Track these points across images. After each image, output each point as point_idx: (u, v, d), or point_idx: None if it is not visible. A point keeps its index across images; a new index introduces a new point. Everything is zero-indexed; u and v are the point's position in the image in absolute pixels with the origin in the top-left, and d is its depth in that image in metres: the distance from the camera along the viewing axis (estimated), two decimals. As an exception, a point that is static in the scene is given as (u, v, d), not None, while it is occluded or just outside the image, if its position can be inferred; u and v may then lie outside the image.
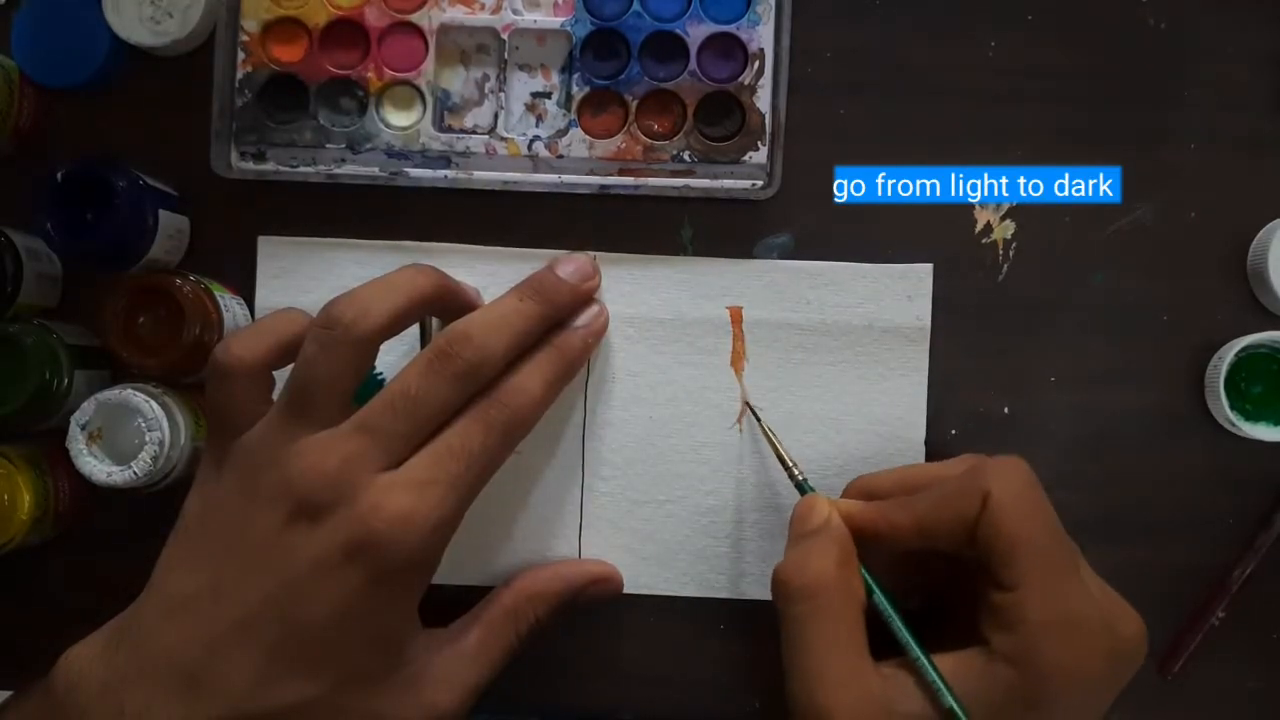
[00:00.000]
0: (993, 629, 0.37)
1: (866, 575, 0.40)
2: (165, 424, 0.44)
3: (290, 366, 0.41)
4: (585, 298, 0.46)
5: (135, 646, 0.38)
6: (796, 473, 0.45)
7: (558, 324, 0.45)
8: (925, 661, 0.38)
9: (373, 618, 0.39)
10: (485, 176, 0.48)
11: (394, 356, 0.47)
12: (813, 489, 0.44)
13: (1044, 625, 0.37)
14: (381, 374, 0.48)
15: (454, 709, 0.41)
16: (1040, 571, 0.37)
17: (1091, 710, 0.38)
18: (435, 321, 0.47)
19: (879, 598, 0.40)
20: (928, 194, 0.49)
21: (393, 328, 0.41)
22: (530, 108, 0.49)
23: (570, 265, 0.46)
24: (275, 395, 0.42)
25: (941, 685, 0.37)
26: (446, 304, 0.44)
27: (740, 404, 0.49)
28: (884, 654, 0.39)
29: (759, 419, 0.48)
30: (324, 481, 0.38)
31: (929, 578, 0.43)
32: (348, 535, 0.37)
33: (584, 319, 0.46)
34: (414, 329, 0.45)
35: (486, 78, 0.49)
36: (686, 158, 0.48)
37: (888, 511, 0.41)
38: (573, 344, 0.45)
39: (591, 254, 0.48)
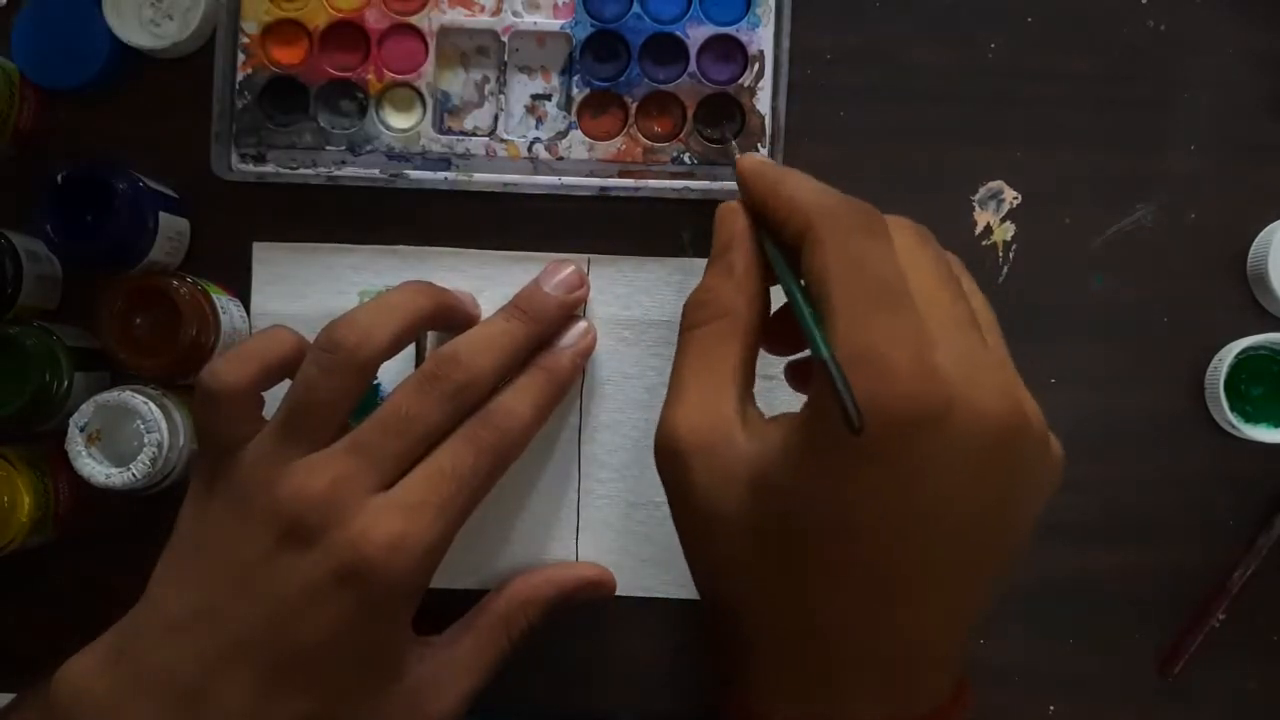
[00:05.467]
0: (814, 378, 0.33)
1: (778, 260, 0.37)
2: (164, 426, 0.44)
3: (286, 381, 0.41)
4: (573, 309, 0.46)
5: (134, 663, 0.38)
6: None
7: (547, 340, 0.45)
8: (808, 317, 0.34)
9: (366, 638, 0.39)
10: (485, 178, 0.48)
11: (392, 363, 0.47)
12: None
13: (848, 360, 0.31)
14: (378, 382, 0.48)
15: (448, 717, 0.41)
16: (842, 306, 0.32)
17: (925, 480, 0.32)
18: (431, 336, 0.47)
19: (790, 284, 0.36)
20: (928, 196, 0.49)
21: (394, 349, 0.41)
22: (530, 110, 0.49)
23: (556, 277, 0.46)
24: (265, 412, 0.42)
25: (821, 341, 0.32)
26: (446, 320, 0.44)
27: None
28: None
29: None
30: (313, 504, 0.38)
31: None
32: (339, 560, 0.37)
33: (570, 338, 0.46)
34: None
35: (486, 80, 0.49)
36: (686, 159, 0.48)
37: (767, 173, 0.38)
38: (561, 364, 0.45)
39: (584, 259, 0.48)
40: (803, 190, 0.36)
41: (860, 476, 0.32)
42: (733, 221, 0.39)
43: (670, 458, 0.35)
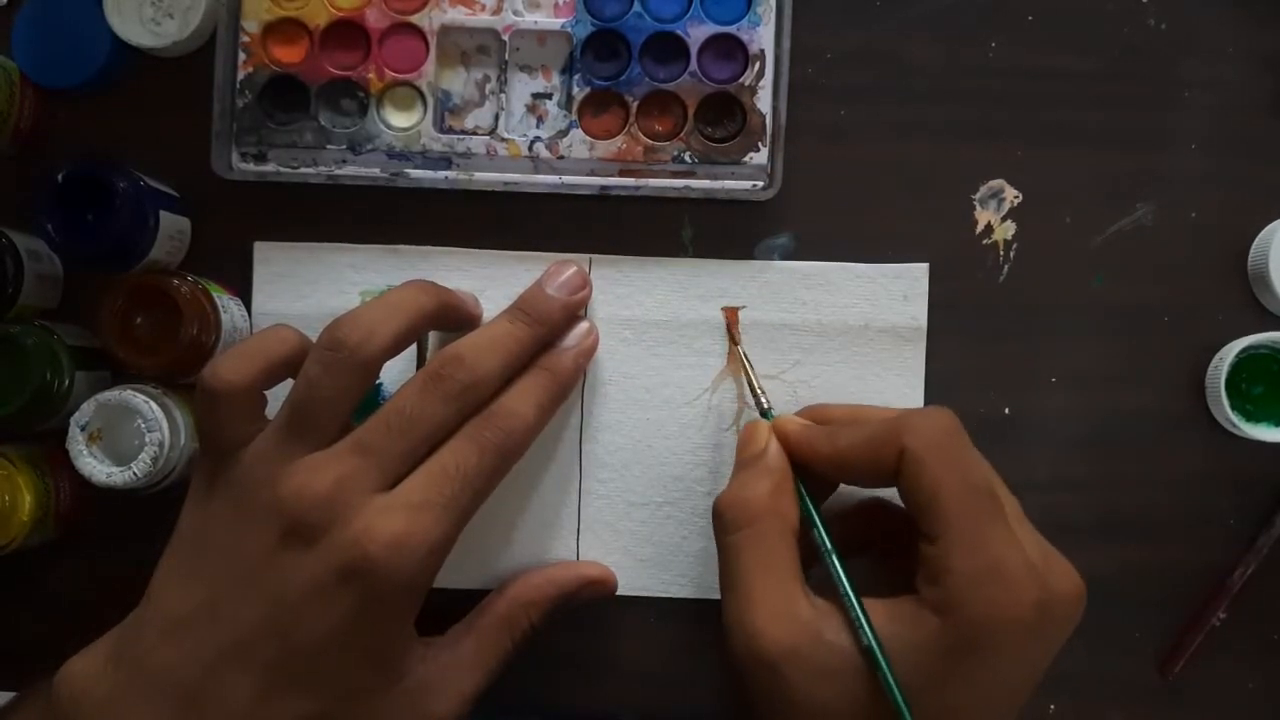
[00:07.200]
0: (922, 580, 0.38)
1: (811, 508, 0.41)
2: (165, 425, 0.44)
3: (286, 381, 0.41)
4: (576, 310, 0.46)
5: (135, 663, 0.38)
6: (764, 401, 0.45)
7: (550, 342, 0.45)
8: (850, 594, 0.38)
9: (368, 637, 0.39)
10: (486, 177, 0.48)
11: (394, 364, 0.47)
12: (774, 418, 0.44)
13: (966, 574, 0.36)
14: (380, 382, 0.48)
15: (450, 717, 0.41)
16: (961, 522, 0.37)
17: (1022, 664, 0.38)
18: (432, 336, 0.47)
19: (818, 531, 0.40)
20: (928, 196, 0.49)
21: (396, 348, 0.41)
22: (531, 108, 0.49)
23: (559, 279, 0.46)
24: (269, 411, 0.42)
25: (863, 619, 0.37)
26: (448, 319, 0.44)
27: (736, 405, 0.49)
28: (825, 594, 0.39)
29: (742, 354, 0.48)
30: (316, 503, 0.38)
31: (881, 531, 0.44)
32: (341, 559, 0.37)
33: (573, 339, 0.46)
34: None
35: (487, 79, 0.49)
36: (687, 159, 0.48)
37: (816, 438, 0.41)
38: (564, 364, 0.45)
39: (586, 259, 0.48)
40: (873, 423, 0.40)
41: (977, 668, 0.36)
42: (762, 434, 0.42)
43: (760, 666, 0.37)
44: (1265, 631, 0.50)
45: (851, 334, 0.49)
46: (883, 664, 0.36)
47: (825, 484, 0.43)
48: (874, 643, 0.37)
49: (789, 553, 0.39)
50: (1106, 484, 0.49)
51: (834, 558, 0.40)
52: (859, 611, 0.37)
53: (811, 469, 0.42)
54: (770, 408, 0.45)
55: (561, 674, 0.49)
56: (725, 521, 0.40)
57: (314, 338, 0.41)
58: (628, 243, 0.49)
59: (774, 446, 0.42)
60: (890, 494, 0.42)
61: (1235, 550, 0.49)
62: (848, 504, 0.45)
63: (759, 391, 0.45)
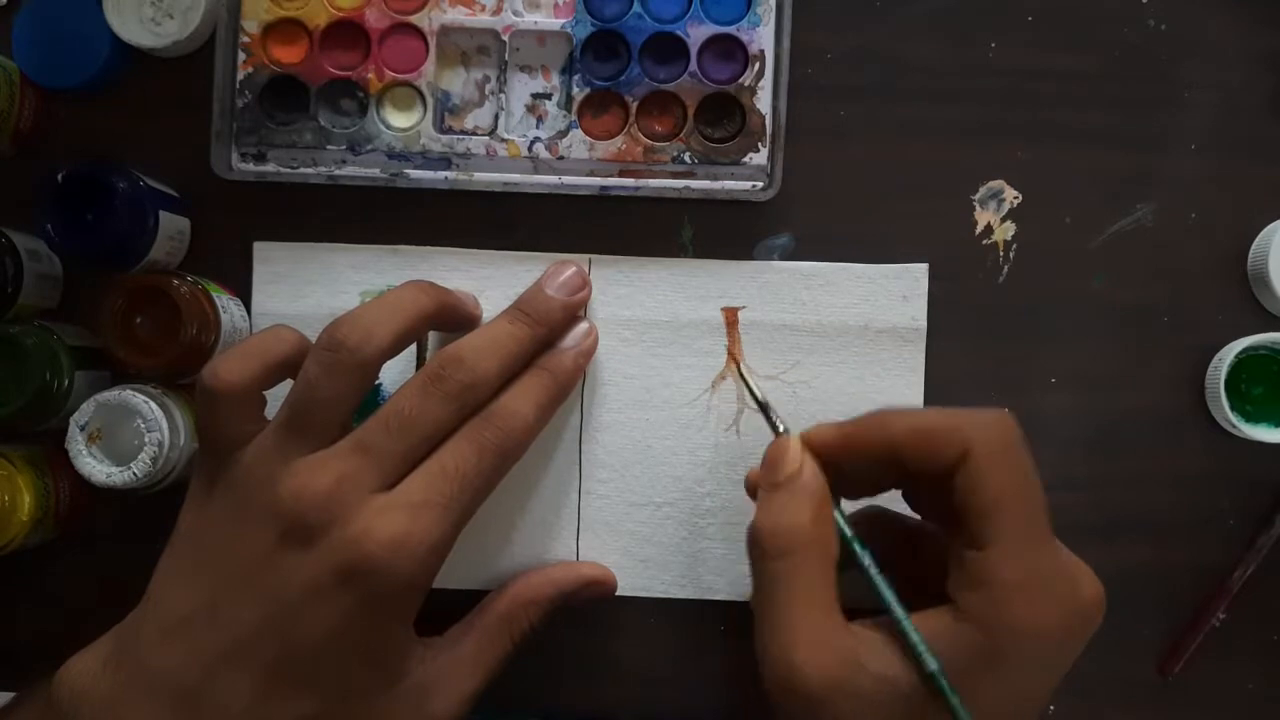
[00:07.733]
0: (960, 587, 0.37)
1: (845, 529, 0.39)
2: (164, 425, 0.44)
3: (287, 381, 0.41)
4: (576, 310, 0.46)
5: (135, 664, 0.39)
6: (777, 423, 0.43)
7: (550, 342, 0.45)
8: (905, 621, 0.37)
9: (368, 637, 0.39)
10: (485, 178, 0.48)
11: (394, 364, 0.47)
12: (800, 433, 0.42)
13: (1012, 585, 0.36)
14: (380, 383, 0.48)
15: (451, 718, 0.41)
16: (1014, 532, 0.37)
17: (1051, 669, 0.38)
18: (432, 337, 0.47)
19: (867, 562, 0.39)
20: (928, 196, 0.49)
21: (396, 348, 0.41)
22: (531, 109, 0.49)
23: (558, 279, 0.46)
24: (268, 411, 0.42)
25: (923, 648, 0.36)
26: (447, 319, 0.44)
27: (736, 405, 0.49)
28: (851, 614, 0.39)
29: (740, 370, 0.48)
30: (315, 503, 0.38)
31: (884, 541, 0.42)
32: (340, 559, 0.37)
33: (572, 339, 0.46)
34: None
35: (487, 79, 0.49)
36: (687, 159, 0.48)
37: (868, 426, 0.39)
38: (564, 364, 0.45)
39: (586, 259, 0.48)
40: (931, 414, 0.39)
41: (1010, 676, 0.36)
42: (794, 452, 0.40)
43: (804, 700, 0.37)
44: (1265, 631, 0.50)
45: (851, 334, 0.49)
46: (950, 695, 0.36)
47: (855, 492, 0.42)
48: (940, 675, 0.36)
49: (829, 583, 0.38)
50: (1107, 484, 0.49)
51: (884, 584, 0.38)
52: (917, 638, 0.37)
53: (854, 464, 0.40)
54: (787, 429, 0.42)
55: (562, 674, 0.49)
56: (765, 549, 0.39)
57: (314, 338, 0.41)
58: (627, 243, 0.49)
59: (809, 466, 0.40)
60: (885, 500, 0.42)
61: (1235, 550, 0.49)
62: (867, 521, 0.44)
63: (772, 414, 0.43)
